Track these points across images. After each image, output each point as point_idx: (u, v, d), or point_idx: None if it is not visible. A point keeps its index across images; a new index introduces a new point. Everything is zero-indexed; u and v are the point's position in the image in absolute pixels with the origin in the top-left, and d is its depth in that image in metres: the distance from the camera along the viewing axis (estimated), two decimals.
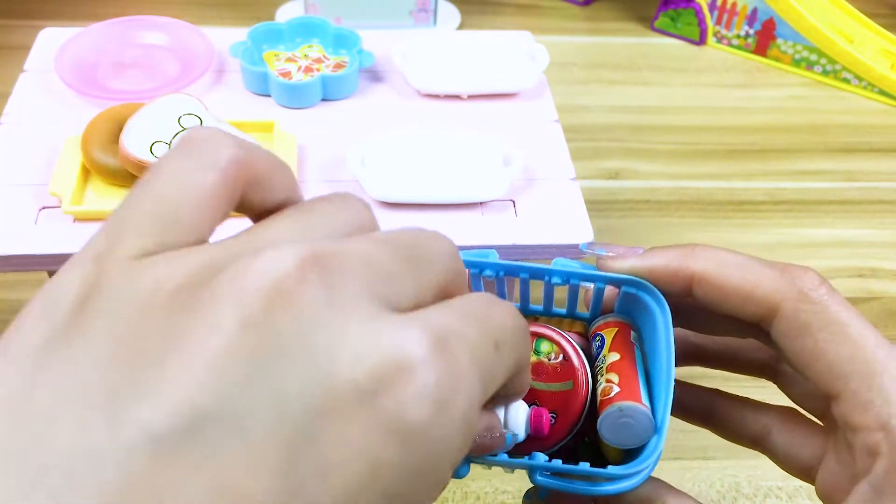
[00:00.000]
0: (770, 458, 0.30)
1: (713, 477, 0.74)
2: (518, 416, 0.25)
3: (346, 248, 0.17)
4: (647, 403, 0.26)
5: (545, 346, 0.29)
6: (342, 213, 0.19)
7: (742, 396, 0.31)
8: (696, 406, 0.32)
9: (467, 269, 0.30)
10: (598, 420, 0.27)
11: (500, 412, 0.25)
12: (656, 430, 0.26)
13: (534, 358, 0.28)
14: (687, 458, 0.75)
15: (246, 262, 0.16)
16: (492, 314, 0.19)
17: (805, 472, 0.28)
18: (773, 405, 0.31)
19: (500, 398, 0.24)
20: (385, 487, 0.15)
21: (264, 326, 0.15)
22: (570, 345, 0.28)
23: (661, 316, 0.27)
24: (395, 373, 0.15)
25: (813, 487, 0.28)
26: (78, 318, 0.15)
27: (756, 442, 0.30)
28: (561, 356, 0.28)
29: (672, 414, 0.31)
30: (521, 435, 0.25)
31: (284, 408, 0.14)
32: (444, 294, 0.19)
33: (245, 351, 0.14)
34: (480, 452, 0.24)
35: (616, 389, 0.27)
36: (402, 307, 0.17)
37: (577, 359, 0.28)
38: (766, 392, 0.34)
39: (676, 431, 0.81)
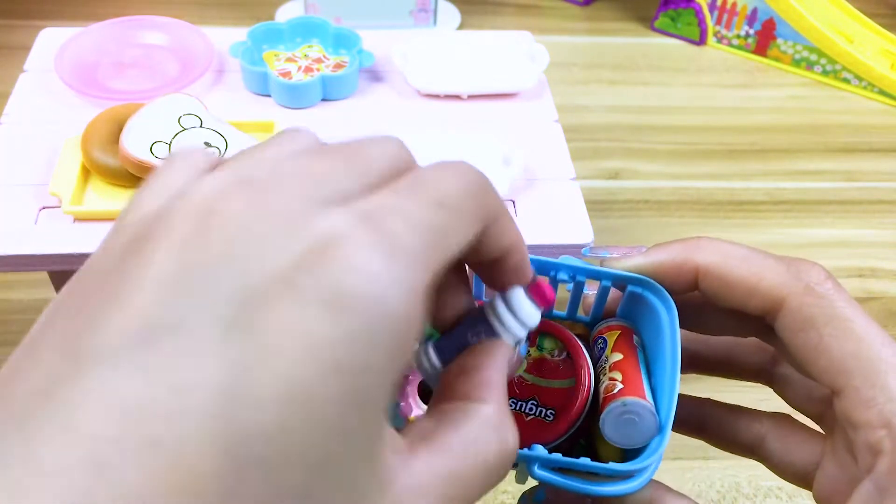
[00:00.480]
0: (766, 466, 0.30)
1: (713, 477, 0.74)
2: (519, 300, 0.24)
3: (279, 167, 0.18)
4: (651, 400, 0.26)
5: (549, 343, 0.28)
6: (288, 145, 0.20)
7: (734, 405, 0.31)
8: (688, 417, 0.31)
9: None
10: (601, 417, 0.26)
11: (502, 309, 0.24)
12: (660, 428, 0.25)
13: (536, 354, 0.28)
14: (687, 458, 0.75)
15: (180, 197, 0.17)
16: (434, 178, 0.19)
17: (801, 477, 0.28)
18: (766, 412, 0.30)
19: (488, 262, 0.23)
20: (326, 359, 0.15)
21: (194, 245, 0.16)
22: (575, 342, 0.28)
23: (667, 314, 0.26)
24: (321, 252, 0.16)
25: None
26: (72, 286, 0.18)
27: (751, 450, 0.30)
28: (564, 353, 0.28)
29: None
30: (535, 316, 0.24)
31: (221, 307, 0.16)
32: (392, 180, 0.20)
33: (177, 268, 0.16)
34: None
35: (619, 386, 0.26)
36: (335, 202, 0.18)
37: (581, 356, 0.28)
38: (763, 392, 0.34)
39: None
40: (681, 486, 0.72)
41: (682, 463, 0.74)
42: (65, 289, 0.18)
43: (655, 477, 0.26)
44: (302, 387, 0.15)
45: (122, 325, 0.15)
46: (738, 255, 0.26)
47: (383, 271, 0.16)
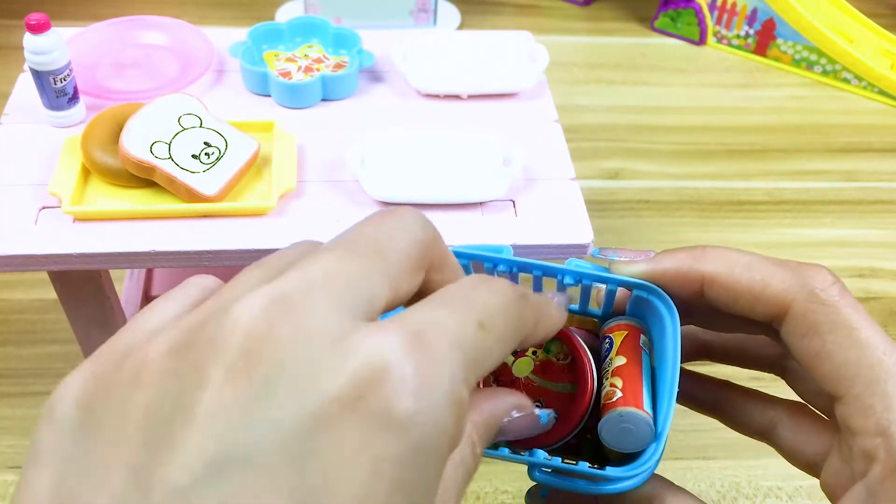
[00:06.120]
0: (777, 451, 0.30)
1: (713, 477, 0.74)
2: None
3: (308, 274, 0.18)
4: (649, 410, 0.26)
5: (555, 346, 0.29)
6: (311, 249, 0.21)
7: (751, 389, 0.31)
8: (705, 397, 0.32)
9: (481, 264, 0.30)
10: (599, 424, 0.27)
11: None
12: (656, 436, 0.26)
13: (543, 356, 0.28)
14: (687, 458, 0.75)
15: (218, 320, 0.17)
16: (474, 296, 0.20)
17: (810, 466, 0.28)
18: (781, 399, 0.31)
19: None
20: (392, 477, 0.16)
21: (247, 371, 0.16)
22: (580, 346, 0.28)
23: (671, 323, 0.27)
24: (373, 374, 0.17)
25: (813, 487, 0.28)
26: (81, 416, 0.18)
27: (763, 434, 0.30)
28: (570, 357, 0.28)
29: (682, 404, 0.30)
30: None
31: (283, 434, 0.16)
32: (424, 265, 0.21)
33: (235, 397, 0.16)
34: (516, 434, 0.24)
35: (619, 394, 0.27)
36: (376, 306, 0.18)
37: (586, 361, 0.28)
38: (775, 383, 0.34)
39: (677, 431, 0.81)
40: (681, 485, 0.72)
41: (682, 463, 0.74)
42: (97, 369, 0.18)
43: (657, 474, 0.27)
44: None
45: (189, 457, 0.16)
46: (742, 262, 0.26)
47: (434, 393, 0.17)
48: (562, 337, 0.29)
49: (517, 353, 0.29)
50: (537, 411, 0.24)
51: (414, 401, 0.17)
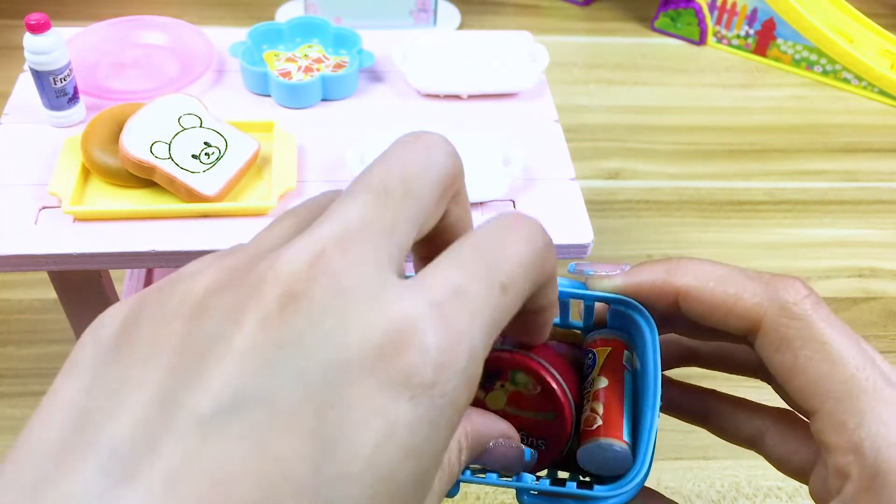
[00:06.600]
0: (766, 459, 0.30)
1: (713, 477, 0.74)
2: None
3: (344, 226, 0.19)
4: (628, 439, 0.26)
5: (521, 378, 0.28)
6: (323, 197, 0.22)
7: (738, 397, 0.31)
8: (692, 407, 0.32)
9: None
10: (579, 452, 0.27)
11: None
12: (639, 456, 0.26)
13: (512, 388, 0.28)
14: (687, 458, 0.75)
15: (259, 268, 0.18)
16: (502, 250, 0.20)
17: (799, 473, 0.28)
18: (768, 407, 0.31)
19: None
20: (404, 443, 0.17)
21: (282, 323, 0.17)
22: (547, 373, 0.28)
23: (650, 337, 0.27)
24: (399, 340, 0.17)
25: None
26: (121, 336, 0.19)
27: (751, 443, 0.30)
28: (539, 387, 0.28)
29: (669, 414, 0.30)
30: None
31: (308, 382, 0.17)
32: (448, 197, 0.21)
33: (267, 344, 0.17)
34: (496, 464, 0.25)
35: (598, 422, 0.27)
36: (405, 250, 0.20)
37: (557, 387, 0.28)
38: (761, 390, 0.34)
39: (676, 431, 0.81)
40: (681, 485, 0.72)
41: (682, 463, 0.74)
42: (147, 296, 0.19)
43: (656, 474, 0.27)
44: (385, 468, 0.17)
45: (216, 390, 0.17)
46: (715, 276, 0.26)
47: (451, 366, 0.18)
48: (526, 369, 0.28)
49: (487, 388, 0.29)
50: (523, 447, 0.25)
51: (433, 373, 0.17)
